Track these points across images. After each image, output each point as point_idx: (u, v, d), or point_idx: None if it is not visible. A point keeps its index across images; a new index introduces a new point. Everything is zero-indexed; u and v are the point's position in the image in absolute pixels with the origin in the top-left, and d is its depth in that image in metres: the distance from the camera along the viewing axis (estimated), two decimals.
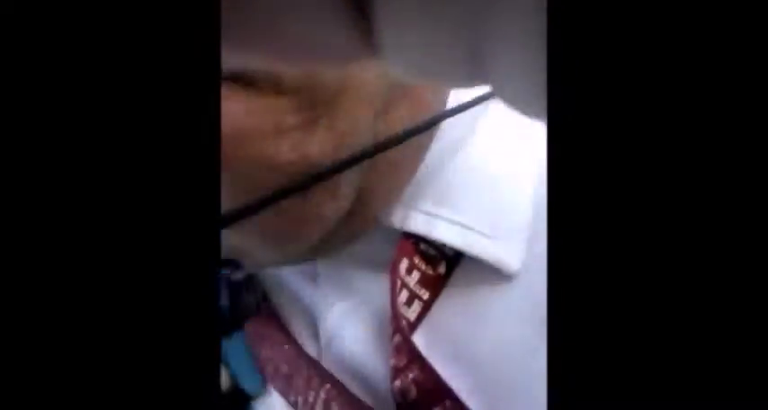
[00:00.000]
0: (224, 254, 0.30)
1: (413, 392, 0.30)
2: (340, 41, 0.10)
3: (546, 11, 0.08)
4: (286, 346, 0.35)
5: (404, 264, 0.32)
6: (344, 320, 0.34)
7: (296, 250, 0.31)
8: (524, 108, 0.10)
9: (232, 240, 0.29)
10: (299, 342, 0.35)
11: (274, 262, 0.33)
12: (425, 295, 0.32)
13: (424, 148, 0.32)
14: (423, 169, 0.33)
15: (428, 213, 0.32)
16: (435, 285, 0.33)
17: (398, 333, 0.31)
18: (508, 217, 0.32)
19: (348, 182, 0.29)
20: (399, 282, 0.32)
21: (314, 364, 0.33)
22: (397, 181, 0.32)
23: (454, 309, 0.32)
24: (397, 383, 0.30)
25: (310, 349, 0.35)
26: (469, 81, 0.10)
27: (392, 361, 0.31)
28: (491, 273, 0.32)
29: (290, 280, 0.36)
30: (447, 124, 0.32)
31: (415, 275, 0.32)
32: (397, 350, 0.31)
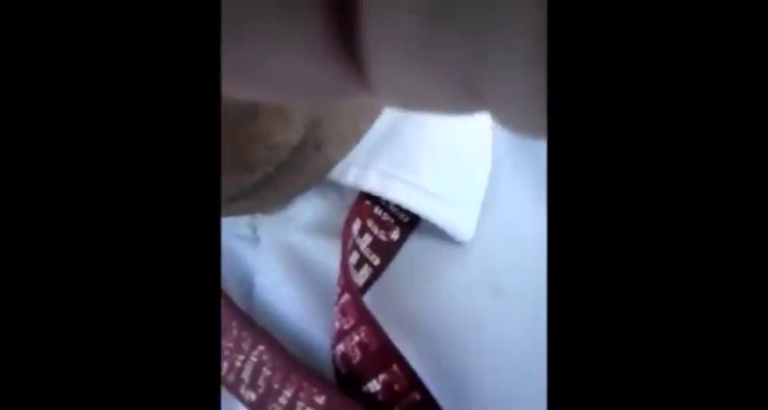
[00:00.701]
0: None
1: (357, 357, 0.28)
2: (331, 82, 0.10)
3: (545, 41, 0.08)
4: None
5: (357, 225, 0.31)
6: (284, 282, 0.32)
7: (240, 182, 0.28)
8: (527, 132, 0.10)
9: None
10: (231, 298, 0.33)
11: None
12: (376, 261, 0.31)
13: (378, 108, 0.31)
14: (380, 127, 0.31)
15: (385, 173, 0.31)
16: (387, 251, 0.31)
17: (347, 292, 0.29)
18: (464, 183, 0.31)
19: (302, 111, 0.27)
20: (351, 243, 0.30)
21: (247, 323, 0.31)
22: (350, 127, 0.30)
23: (404, 277, 0.31)
24: (340, 347, 0.28)
25: (242, 308, 0.32)
26: (466, 112, 0.10)
27: (336, 325, 0.29)
28: (444, 241, 0.31)
29: (228, 243, 0.34)
30: None
31: (367, 238, 0.31)
32: (344, 310, 0.29)
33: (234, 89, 0.10)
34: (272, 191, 0.30)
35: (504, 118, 0.09)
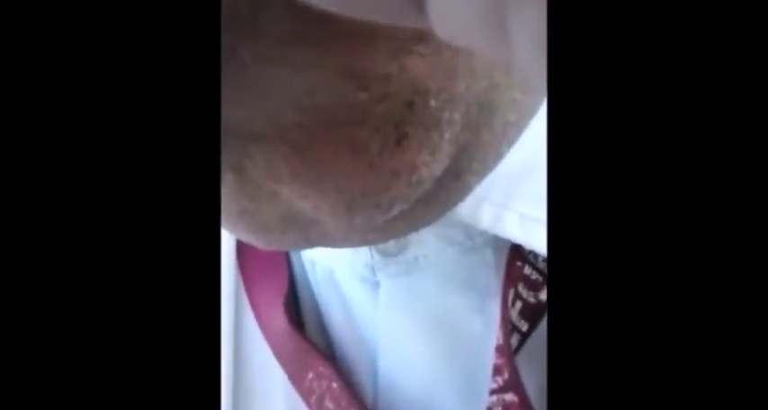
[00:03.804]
0: (277, 225, 0.23)
1: None
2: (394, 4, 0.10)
3: None
4: (334, 384, 0.29)
5: (511, 295, 0.27)
6: (412, 351, 0.28)
7: (374, 219, 0.24)
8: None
9: (297, 205, 0.23)
10: (351, 379, 0.29)
11: (345, 236, 0.25)
12: (524, 326, 0.28)
13: (524, 129, 0.26)
14: (518, 157, 0.27)
15: (526, 216, 0.27)
16: (535, 314, 0.28)
17: (499, 353, 0.26)
18: None
19: (451, 138, 0.23)
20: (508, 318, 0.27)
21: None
22: (494, 150, 0.26)
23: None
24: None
25: (366, 389, 0.29)
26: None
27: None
28: None
29: (345, 287, 0.30)
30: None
31: (518, 305, 0.27)
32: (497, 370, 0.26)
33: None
34: (401, 224, 0.26)
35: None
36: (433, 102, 0.21)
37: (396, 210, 0.24)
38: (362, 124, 0.21)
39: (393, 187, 0.22)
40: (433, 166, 0.23)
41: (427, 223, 0.27)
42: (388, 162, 0.22)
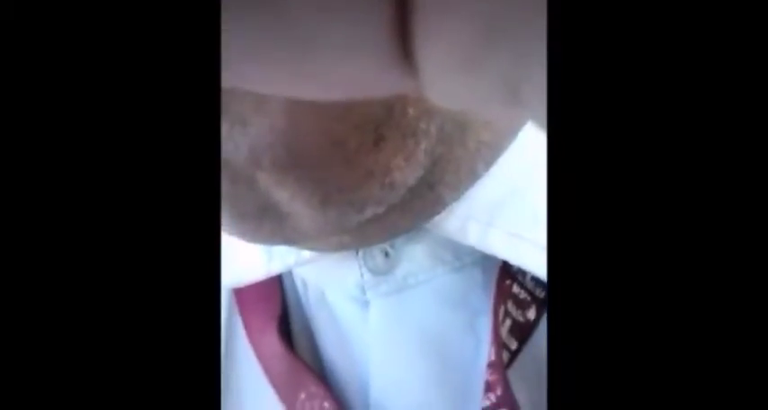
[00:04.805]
0: (254, 214, 0.24)
1: None
2: (391, 83, 0.10)
3: None
4: (326, 403, 0.29)
5: (501, 312, 0.27)
6: (404, 370, 0.29)
7: (347, 218, 0.25)
8: None
9: (274, 195, 0.23)
10: (343, 399, 0.29)
11: (318, 232, 0.26)
12: (513, 345, 0.28)
13: (499, 150, 0.28)
14: (503, 181, 0.28)
15: (512, 234, 0.27)
16: (523, 333, 0.28)
17: (492, 369, 0.27)
18: None
19: (427, 149, 0.24)
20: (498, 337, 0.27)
21: None
22: (468, 168, 0.27)
23: (538, 361, 0.28)
24: None
25: (356, 407, 0.29)
26: (507, 113, 0.10)
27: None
28: None
29: (336, 307, 0.30)
30: (532, 132, 0.28)
31: (507, 323, 0.28)
32: (490, 387, 0.27)
33: (304, 92, 0.11)
34: (376, 230, 0.27)
35: (541, 118, 0.10)
36: (411, 111, 0.22)
37: (369, 212, 0.25)
38: (343, 120, 0.22)
39: (367, 186, 0.23)
40: (406, 172, 0.24)
41: (402, 231, 0.28)
42: (364, 160, 0.23)
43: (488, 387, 0.27)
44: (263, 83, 0.10)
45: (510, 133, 0.28)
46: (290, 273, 0.32)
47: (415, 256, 0.29)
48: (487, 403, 0.27)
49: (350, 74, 0.10)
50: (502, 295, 0.28)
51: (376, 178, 0.23)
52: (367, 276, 0.29)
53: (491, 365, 0.27)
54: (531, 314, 0.28)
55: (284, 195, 0.23)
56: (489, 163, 0.27)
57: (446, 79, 0.10)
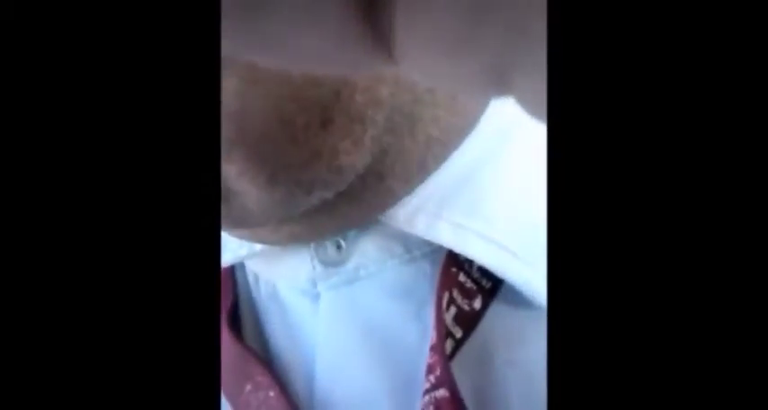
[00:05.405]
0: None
1: None
2: (358, 56, 0.10)
3: None
4: (271, 392, 0.29)
5: (445, 299, 0.28)
6: (353, 353, 0.29)
7: (295, 200, 0.25)
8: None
9: (222, 170, 0.24)
10: (288, 388, 0.29)
11: (266, 215, 0.26)
12: (458, 333, 0.28)
13: (449, 146, 0.28)
14: (453, 171, 0.28)
15: (458, 225, 0.28)
16: (469, 322, 0.28)
17: (432, 352, 0.27)
18: (537, 236, 0.29)
19: (375, 135, 0.25)
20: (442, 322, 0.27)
21: None
22: (417, 162, 0.28)
23: (485, 350, 0.28)
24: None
25: (303, 397, 0.29)
26: (490, 97, 0.10)
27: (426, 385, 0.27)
28: (523, 306, 0.28)
29: (287, 299, 0.30)
30: (481, 129, 0.29)
31: (452, 310, 0.28)
32: (430, 369, 0.27)
33: (261, 57, 0.10)
34: (327, 220, 0.27)
35: (532, 107, 0.10)
36: (358, 98, 0.23)
37: (316, 196, 0.25)
38: (293, 100, 0.23)
39: (314, 167, 0.24)
40: (354, 157, 0.24)
41: (354, 224, 0.28)
42: (312, 140, 0.23)
43: (429, 370, 0.27)
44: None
45: (462, 130, 0.28)
46: (242, 267, 0.32)
47: (366, 249, 0.29)
48: (428, 385, 0.27)
49: (308, 43, 0.10)
50: (447, 282, 0.28)
51: (323, 160, 0.24)
52: (319, 268, 0.29)
53: (432, 348, 0.27)
54: (477, 303, 0.29)
55: (232, 170, 0.24)
56: (439, 158, 0.28)
57: (428, 59, 0.09)
